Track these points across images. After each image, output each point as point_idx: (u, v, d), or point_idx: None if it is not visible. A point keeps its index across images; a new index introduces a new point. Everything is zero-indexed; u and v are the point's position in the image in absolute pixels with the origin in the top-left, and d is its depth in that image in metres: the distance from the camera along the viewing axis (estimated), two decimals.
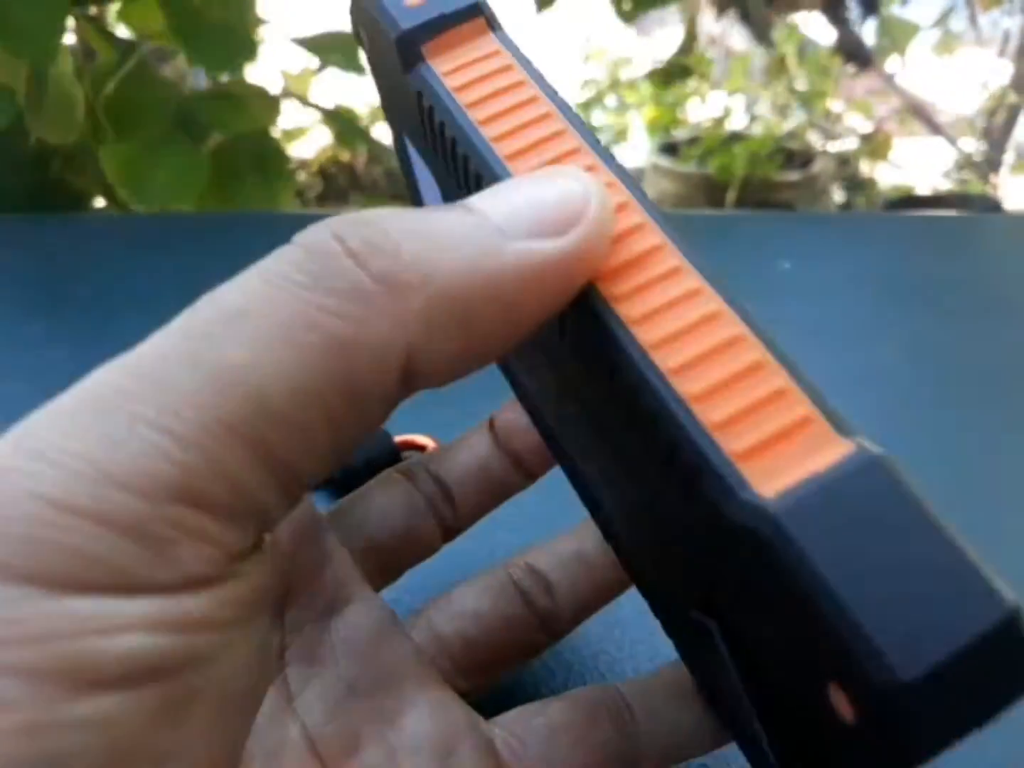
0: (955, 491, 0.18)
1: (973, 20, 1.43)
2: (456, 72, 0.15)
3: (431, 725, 0.16)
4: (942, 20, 1.47)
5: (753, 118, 1.43)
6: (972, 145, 1.45)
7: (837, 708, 0.10)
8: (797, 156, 1.32)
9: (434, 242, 0.11)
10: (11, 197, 0.69)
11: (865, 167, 1.45)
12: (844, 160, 1.40)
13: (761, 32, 1.23)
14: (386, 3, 0.16)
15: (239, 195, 0.73)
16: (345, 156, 1.36)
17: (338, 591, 0.18)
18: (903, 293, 0.41)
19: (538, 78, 0.15)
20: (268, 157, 0.75)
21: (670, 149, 1.38)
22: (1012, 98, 1.38)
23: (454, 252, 0.11)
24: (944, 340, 0.37)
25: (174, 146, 0.68)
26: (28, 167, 0.69)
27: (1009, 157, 1.41)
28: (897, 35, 1.38)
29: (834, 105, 1.47)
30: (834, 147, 1.42)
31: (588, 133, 0.14)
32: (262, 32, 0.78)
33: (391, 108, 0.19)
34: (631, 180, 0.13)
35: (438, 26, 0.15)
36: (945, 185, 1.44)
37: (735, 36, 1.45)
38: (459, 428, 0.21)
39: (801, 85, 1.39)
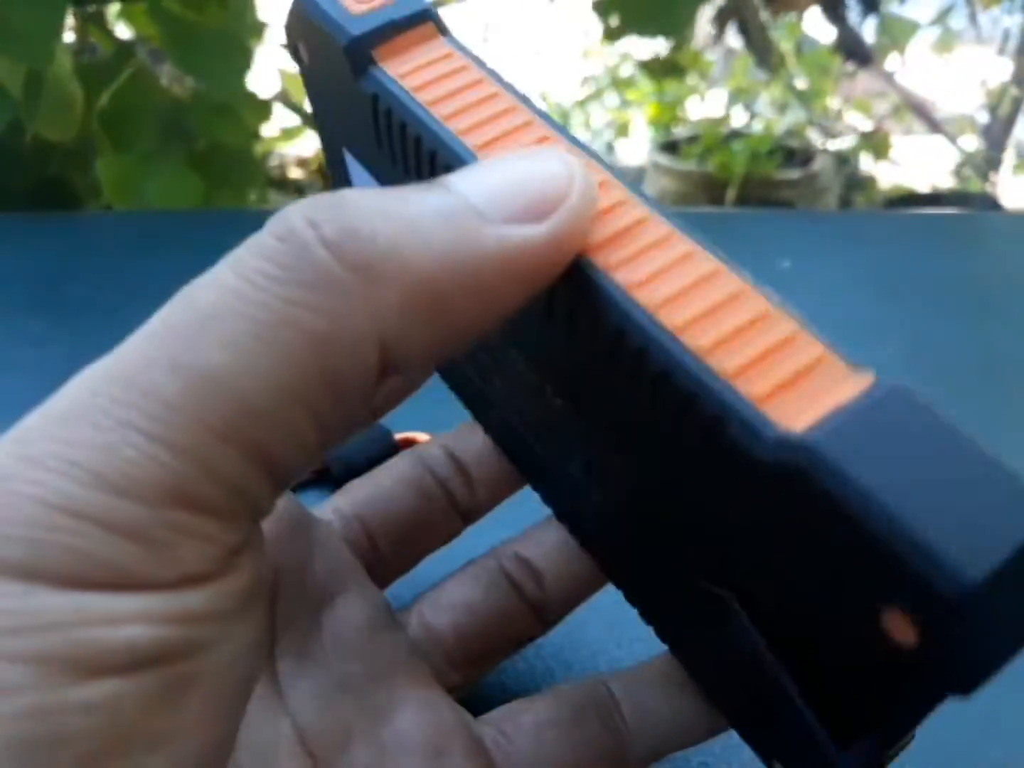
0: None
1: (973, 18, 1.43)
2: (412, 74, 0.15)
3: (422, 724, 0.16)
4: (942, 18, 1.47)
5: (753, 116, 1.43)
6: (972, 143, 1.45)
7: (894, 635, 0.10)
8: (797, 154, 1.32)
9: (410, 224, 0.11)
10: (10, 196, 0.69)
11: (865, 165, 1.45)
12: (844, 158, 1.40)
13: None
14: (331, 12, 0.15)
15: (217, 201, 0.73)
16: None
17: (330, 583, 0.18)
18: (903, 291, 0.41)
19: (496, 76, 0.15)
20: (242, 167, 0.75)
21: (670, 147, 1.38)
22: (1012, 96, 1.37)
23: (431, 236, 0.11)
24: (944, 338, 0.37)
25: (166, 157, 0.68)
26: (27, 166, 0.69)
27: (1009, 156, 1.41)
28: (897, 33, 1.38)
29: (833, 103, 1.47)
30: (834, 145, 1.41)
31: (556, 123, 0.14)
32: (265, 36, 0.77)
33: (330, 124, 0.19)
34: (605, 162, 0.13)
35: (388, 31, 0.15)
36: (945, 183, 1.44)
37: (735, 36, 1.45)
38: None
39: (801, 83, 1.39)
